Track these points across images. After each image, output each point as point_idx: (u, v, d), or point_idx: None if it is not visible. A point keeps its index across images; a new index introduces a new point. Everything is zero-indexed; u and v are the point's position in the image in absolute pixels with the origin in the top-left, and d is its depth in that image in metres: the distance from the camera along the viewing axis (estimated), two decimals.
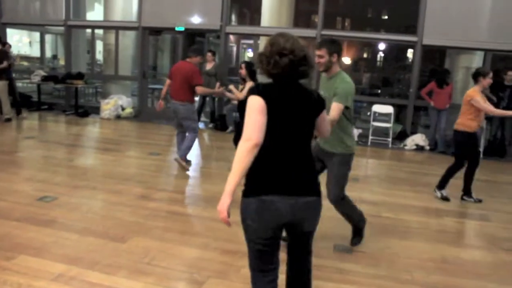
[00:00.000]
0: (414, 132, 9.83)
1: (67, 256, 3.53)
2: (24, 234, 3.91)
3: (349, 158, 3.81)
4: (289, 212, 2.20)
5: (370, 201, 5.44)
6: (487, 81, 5.43)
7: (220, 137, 9.54)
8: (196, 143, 6.86)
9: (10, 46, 10.39)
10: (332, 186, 3.81)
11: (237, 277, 3.37)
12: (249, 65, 6.54)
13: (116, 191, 5.29)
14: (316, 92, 2.37)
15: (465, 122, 5.50)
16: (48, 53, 18.41)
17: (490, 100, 9.22)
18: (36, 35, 17.94)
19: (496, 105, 9.06)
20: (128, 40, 12.05)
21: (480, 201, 5.68)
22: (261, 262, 2.36)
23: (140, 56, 11.37)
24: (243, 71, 6.41)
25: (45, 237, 3.86)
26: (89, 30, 12.46)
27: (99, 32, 12.69)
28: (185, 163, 6.34)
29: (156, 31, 11.70)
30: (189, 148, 6.41)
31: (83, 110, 11.05)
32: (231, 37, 15.21)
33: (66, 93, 12.02)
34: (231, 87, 7.18)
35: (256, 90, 2.17)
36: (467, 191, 5.73)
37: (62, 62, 15.56)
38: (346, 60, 23.76)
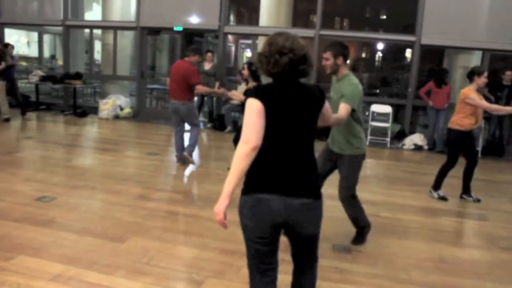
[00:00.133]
0: (412, 132, 9.84)
1: (65, 256, 3.53)
2: (22, 234, 3.91)
3: (359, 159, 3.86)
4: (283, 212, 2.18)
5: (369, 200, 5.44)
6: (482, 80, 5.43)
7: (218, 136, 9.54)
8: (187, 143, 6.87)
9: (12, 47, 10.34)
10: (341, 187, 3.92)
11: (236, 277, 3.37)
12: (252, 65, 6.53)
13: (115, 191, 5.29)
14: (317, 87, 2.34)
15: (459, 121, 5.51)
16: (46, 53, 18.40)
17: (488, 99, 9.26)
18: (34, 35, 17.93)
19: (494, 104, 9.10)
20: (126, 40, 12.05)
21: (478, 200, 5.69)
22: (259, 262, 2.35)
23: (138, 56, 11.36)
24: (245, 72, 6.42)
25: (44, 237, 3.86)
26: (87, 30, 12.46)
27: (98, 32, 12.69)
28: (192, 158, 6.56)
29: (155, 31, 11.69)
30: (195, 143, 6.62)
31: (82, 110, 11.04)
32: (230, 37, 15.20)
33: (65, 93, 12.00)
34: (233, 92, 7.26)
35: (254, 92, 2.17)
36: (466, 190, 5.74)
37: (60, 62, 15.57)
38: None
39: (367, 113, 9.66)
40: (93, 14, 16.15)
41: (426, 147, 9.31)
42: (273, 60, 2.18)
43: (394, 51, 25.23)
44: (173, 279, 3.37)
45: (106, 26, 11.78)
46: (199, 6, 10.58)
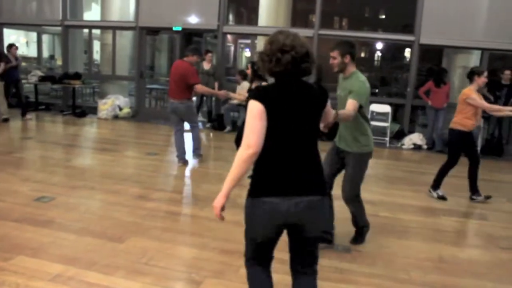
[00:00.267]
0: (411, 132, 9.84)
1: (64, 257, 3.52)
2: (21, 234, 3.90)
3: (365, 158, 3.85)
4: (293, 213, 2.19)
5: (368, 200, 5.41)
6: (482, 80, 5.44)
7: (218, 136, 9.54)
8: (191, 143, 6.88)
9: (16, 48, 10.34)
10: (346, 184, 3.89)
11: (235, 277, 3.37)
12: (255, 65, 6.51)
13: (114, 191, 5.29)
14: (318, 86, 2.35)
15: (461, 121, 5.51)
16: (45, 53, 18.39)
17: (487, 99, 9.26)
18: (33, 35, 17.92)
19: (494, 104, 9.10)
20: (125, 40, 12.04)
21: (489, 197, 5.72)
22: (257, 256, 2.42)
23: (137, 56, 11.36)
24: (249, 71, 6.40)
25: (43, 238, 3.86)
26: (86, 30, 12.44)
27: (96, 32, 12.68)
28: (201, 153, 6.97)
29: (154, 31, 11.69)
30: (199, 143, 6.90)
31: (81, 110, 11.03)
32: (229, 36, 15.20)
33: (64, 93, 11.99)
34: (232, 95, 7.29)
35: (255, 94, 2.17)
36: (474, 191, 5.73)
37: (59, 62, 15.55)
38: None
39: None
40: (92, 14, 16.14)
41: (425, 146, 9.32)
42: (275, 58, 2.17)
43: (393, 51, 25.22)
44: (172, 279, 3.36)
45: (105, 26, 11.77)
46: (198, 6, 10.57)
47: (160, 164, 6.88)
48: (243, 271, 3.43)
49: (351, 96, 3.56)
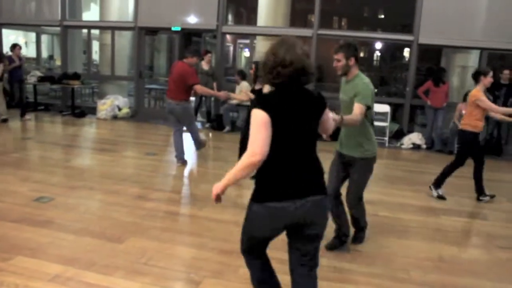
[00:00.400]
0: (410, 131, 9.85)
1: (63, 257, 3.52)
2: (20, 235, 3.90)
3: (370, 163, 3.80)
4: (298, 214, 2.27)
5: (367, 200, 5.38)
6: (488, 80, 5.44)
7: (217, 136, 9.53)
8: (192, 142, 6.86)
9: (20, 47, 10.33)
10: (351, 190, 3.86)
11: (234, 277, 3.37)
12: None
13: (113, 192, 5.28)
14: (317, 92, 2.43)
15: (472, 123, 5.49)
16: (44, 54, 18.38)
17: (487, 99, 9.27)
18: (32, 35, 17.91)
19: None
20: (124, 40, 12.03)
21: (493, 196, 5.74)
22: (254, 250, 2.54)
23: (136, 56, 11.36)
24: (253, 72, 6.39)
25: (42, 238, 3.85)
26: (85, 31, 12.44)
27: (95, 32, 12.67)
28: (203, 142, 6.93)
29: (152, 31, 11.69)
30: (197, 139, 6.79)
31: (80, 111, 11.02)
32: (228, 36, 15.20)
33: (63, 94, 11.98)
34: (233, 95, 7.29)
35: (259, 102, 2.23)
36: (481, 192, 5.73)
37: (58, 62, 15.53)
38: None
39: None
40: (91, 14, 16.14)
41: (424, 146, 9.32)
42: (275, 71, 2.24)
43: (392, 51, 25.24)
44: (172, 279, 3.36)
45: (104, 26, 11.77)
46: (197, 6, 10.57)
47: (159, 164, 6.88)
48: (242, 271, 3.43)
49: (357, 100, 3.53)
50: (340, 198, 3.95)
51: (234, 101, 9.48)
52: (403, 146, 9.34)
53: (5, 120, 9.31)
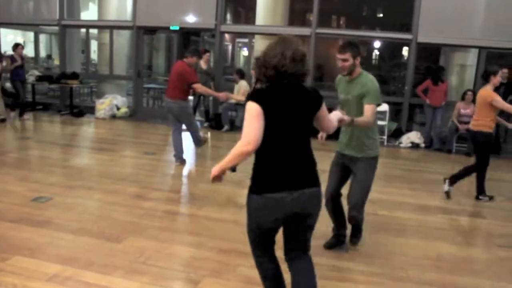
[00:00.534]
0: (409, 130, 9.85)
1: (62, 257, 3.52)
2: (19, 235, 3.89)
3: (374, 162, 3.72)
4: (295, 204, 2.38)
5: None
6: (498, 79, 5.42)
7: (215, 136, 9.53)
8: (191, 141, 6.86)
9: (22, 47, 10.28)
10: (358, 191, 3.69)
11: (233, 276, 3.37)
12: None
13: (112, 191, 5.28)
14: (313, 89, 2.51)
15: (487, 123, 5.46)
16: (43, 53, 18.32)
17: None
18: (30, 35, 17.84)
19: None
20: (122, 39, 12.02)
21: (492, 197, 5.74)
22: (261, 247, 2.59)
23: (135, 55, 11.35)
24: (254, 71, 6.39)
25: (40, 238, 3.85)
26: (83, 30, 12.42)
27: (94, 31, 12.65)
28: (203, 140, 6.94)
29: (151, 30, 11.67)
30: (196, 138, 6.78)
31: (78, 110, 11.02)
32: (226, 36, 15.19)
33: (61, 93, 11.98)
34: (232, 96, 7.26)
35: (253, 95, 2.35)
36: (482, 191, 5.73)
37: (56, 62, 15.50)
38: None
39: None
40: (89, 13, 16.09)
41: (423, 145, 9.33)
42: (263, 69, 2.40)
43: (391, 49, 25.22)
44: (170, 278, 3.36)
45: (102, 26, 11.76)
46: (196, 5, 10.56)
47: (157, 164, 6.88)
48: (241, 270, 3.44)
49: (368, 100, 3.46)
50: (339, 199, 3.90)
51: (232, 100, 9.48)
52: (401, 145, 9.35)
53: (3, 120, 9.30)
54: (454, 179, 5.75)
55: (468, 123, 8.69)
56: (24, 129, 9.24)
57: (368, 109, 3.45)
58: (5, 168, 6.01)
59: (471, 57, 10.07)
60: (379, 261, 3.79)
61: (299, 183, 2.40)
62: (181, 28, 10.71)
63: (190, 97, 7.24)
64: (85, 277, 3.23)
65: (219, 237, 4.07)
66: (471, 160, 8.35)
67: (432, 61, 14.50)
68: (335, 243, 3.98)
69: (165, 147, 8.01)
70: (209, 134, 9.61)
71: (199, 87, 6.48)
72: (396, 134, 9.71)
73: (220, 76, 10.90)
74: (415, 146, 9.30)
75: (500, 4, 9.08)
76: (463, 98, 8.84)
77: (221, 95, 6.99)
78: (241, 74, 9.79)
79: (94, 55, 14.79)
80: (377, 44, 23.82)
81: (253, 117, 2.28)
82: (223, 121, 9.95)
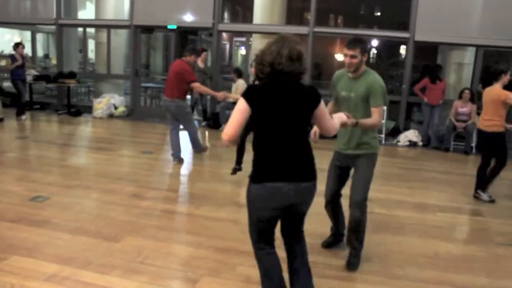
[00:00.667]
0: (407, 128, 9.86)
1: (60, 256, 3.51)
2: (16, 234, 3.89)
3: (375, 158, 3.61)
4: (293, 195, 2.53)
5: None
6: (507, 77, 5.42)
7: (213, 135, 9.52)
8: (188, 142, 6.86)
9: (23, 46, 10.17)
10: (359, 188, 3.54)
11: (231, 275, 3.37)
12: None
13: (109, 190, 5.27)
14: (311, 87, 2.60)
15: (499, 123, 5.42)
16: (40, 52, 18.28)
17: (481, 96, 9.28)
18: (27, 34, 17.81)
19: None
20: (120, 38, 12.00)
21: (493, 201, 5.69)
22: (262, 238, 2.68)
23: (132, 54, 11.33)
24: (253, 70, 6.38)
25: (38, 237, 3.84)
26: (80, 29, 12.40)
27: (91, 30, 12.63)
28: (203, 147, 6.85)
29: (148, 30, 11.65)
30: (195, 140, 6.67)
31: (76, 110, 10.99)
32: (224, 34, 15.18)
33: (59, 93, 11.95)
34: (231, 95, 7.27)
35: (245, 92, 2.51)
36: (481, 188, 5.73)
37: (54, 61, 15.46)
38: (339, 57, 23.76)
39: None
40: (86, 12, 16.07)
41: (420, 143, 9.34)
42: (260, 67, 2.54)
43: (389, 48, 25.24)
44: (168, 277, 3.36)
45: (100, 25, 11.74)
46: (193, 4, 10.55)
47: (155, 163, 6.87)
48: (239, 269, 3.45)
49: (375, 102, 3.36)
50: (339, 200, 3.82)
51: (230, 100, 9.46)
52: (399, 143, 9.36)
53: (0, 120, 9.27)
54: (483, 185, 5.69)
55: (465, 121, 8.75)
56: (21, 128, 9.22)
57: (375, 111, 3.37)
58: (2, 167, 6.00)
59: (469, 56, 10.08)
60: (376, 259, 3.79)
61: (294, 176, 2.52)
62: (178, 27, 10.70)
63: (188, 96, 7.23)
64: (83, 276, 3.23)
65: (217, 236, 4.07)
66: (468, 159, 8.41)
67: (429, 59, 14.53)
68: (333, 242, 3.98)
69: (162, 146, 8.01)
70: (207, 133, 9.60)
71: (197, 86, 6.48)
72: (394, 133, 9.72)
73: (217, 75, 10.90)
74: (412, 144, 9.31)
75: (497, 2, 9.08)
76: (460, 97, 8.85)
77: (219, 94, 6.96)
78: (239, 73, 9.78)
79: (91, 54, 14.77)
80: (374, 42, 23.86)
81: (237, 111, 2.46)
82: (221, 120, 9.94)
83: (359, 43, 3.39)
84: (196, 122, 9.58)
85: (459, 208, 5.43)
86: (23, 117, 9.84)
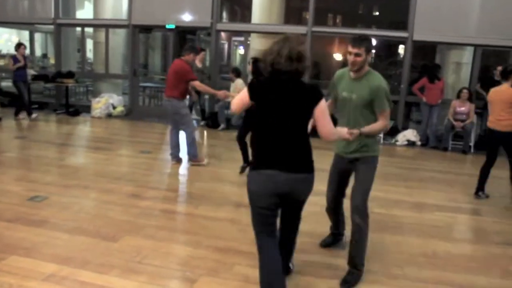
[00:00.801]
0: (405, 128, 9.87)
1: (58, 256, 3.51)
2: (14, 234, 3.88)
3: (375, 161, 3.47)
4: (286, 184, 2.68)
5: None
6: None
7: (212, 134, 9.52)
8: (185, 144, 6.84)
9: (25, 47, 10.12)
10: (359, 192, 3.41)
11: (230, 274, 3.37)
12: (257, 61, 6.29)
13: (108, 190, 5.27)
14: (312, 86, 2.75)
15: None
16: (38, 52, 18.27)
17: (480, 95, 9.32)
18: (25, 33, 17.79)
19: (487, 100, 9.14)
20: (118, 38, 11.99)
21: (487, 196, 5.75)
22: (261, 225, 2.81)
23: (130, 54, 11.32)
24: (250, 68, 6.32)
25: (36, 237, 3.84)
26: (79, 29, 12.38)
27: (89, 30, 12.61)
28: (201, 161, 6.60)
29: (147, 29, 11.64)
30: (190, 145, 6.54)
31: (74, 109, 10.97)
32: (222, 34, 15.17)
33: (57, 92, 11.93)
34: (229, 93, 7.28)
35: (250, 83, 2.78)
36: (482, 188, 5.75)
37: (52, 61, 15.45)
38: (338, 56, 23.78)
39: None
40: (84, 12, 16.06)
41: (419, 143, 9.34)
42: (263, 65, 2.72)
43: (387, 48, 25.26)
44: (167, 277, 3.36)
45: (98, 25, 11.72)
46: (191, 4, 10.54)
47: (153, 163, 6.87)
48: (237, 269, 3.45)
49: (380, 107, 3.23)
50: (340, 202, 3.73)
51: (230, 99, 9.45)
52: (397, 143, 9.36)
53: None
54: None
55: (463, 121, 8.76)
56: (20, 128, 9.21)
57: (382, 116, 3.26)
58: (1, 167, 5.99)
59: (467, 55, 10.09)
60: (374, 259, 3.79)
61: (287, 167, 2.67)
62: (177, 27, 10.69)
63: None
64: (81, 276, 3.23)
65: (215, 236, 4.07)
66: (466, 158, 8.42)
67: (428, 59, 14.54)
68: (332, 241, 3.97)
69: (161, 145, 8.00)
70: (205, 132, 9.60)
71: (198, 85, 6.47)
72: (392, 132, 9.71)
73: (216, 74, 10.89)
74: (411, 144, 9.31)
75: (495, 2, 9.09)
76: (458, 96, 8.86)
77: (220, 92, 6.94)
78: (237, 73, 9.76)
79: (89, 54, 14.76)
80: (373, 42, 23.89)
81: (240, 96, 2.78)
82: (220, 120, 9.95)
83: (365, 41, 3.25)
84: (194, 122, 9.60)
85: (457, 208, 5.44)
86: (21, 116, 9.81)
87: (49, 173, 5.90)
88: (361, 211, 3.39)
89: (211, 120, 10.07)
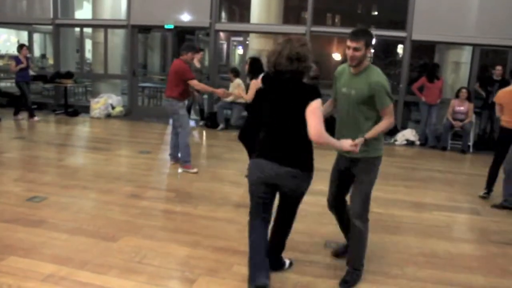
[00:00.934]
0: (404, 127, 9.87)
1: (57, 256, 3.51)
2: (13, 235, 3.88)
3: (377, 162, 3.30)
4: (273, 175, 2.90)
5: None
6: None
7: (211, 134, 9.52)
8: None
9: (27, 48, 10.09)
10: (359, 197, 3.29)
11: (229, 274, 3.37)
12: (255, 61, 6.22)
13: (107, 190, 5.27)
14: (310, 86, 2.87)
15: None
16: (37, 53, 18.25)
17: (479, 94, 9.33)
18: (24, 34, 17.76)
19: (486, 100, 9.16)
20: (117, 38, 11.98)
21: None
22: (254, 209, 3.11)
23: (129, 54, 11.32)
24: (247, 67, 6.27)
25: (35, 238, 3.83)
26: (77, 29, 12.37)
27: (88, 30, 12.60)
28: (191, 169, 6.33)
29: (145, 29, 11.63)
30: (183, 149, 6.33)
31: (73, 110, 10.97)
32: (221, 34, 15.16)
33: (56, 93, 11.93)
34: (230, 92, 7.25)
35: (263, 76, 3.47)
36: (491, 188, 5.75)
37: (51, 61, 15.44)
38: (336, 56, 23.79)
39: None
40: (83, 12, 16.04)
41: (418, 142, 9.35)
42: (267, 65, 2.98)
43: (386, 47, 25.27)
44: (166, 277, 3.35)
45: (97, 25, 11.71)
46: (190, 4, 10.54)
47: (153, 163, 6.86)
48: (236, 269, 3.45)
49: (383, 103, 3.11)
50: (342, 203, 3.62)
51: (228, 99, 9.45)
52: (396, 142, 9.37)
53: None
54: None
55: (462, 120, 8.76)
56: (19, 128, 9.20)
57: (386, 112, 3.15)
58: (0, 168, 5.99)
59: (466, 55, 10.09)
60: (374, 259, 3.79)
61: (276, 158, 2.87)
62: (175, 27, 10.68)
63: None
64: (80, 276, 3.22)
65: (215, 236, 4.07)
66: (465, 157, 8.43)
67: (427, 58, 14.55)
68: (343, 253, 3.72)
69: (160, 146, 7.99)
70: (204, 133, 9.59)
71: (196, 84, 6.45)
72: (391, 132, 9.71)
73: (215, 74, 10.89)
74: (410, 143, 9.32)
75: (493, 1, 9.10)
76: (457, 96, 8.86)
77: (219, 90, 6.90)
78: (236, 73, 9.76)
79: (88, 54, 14.75)
80: (373, 36, 23.88)
81: (254, 85, 3.53)
82: (219, 120, 9.94)
83: (365, 35, 3.12)
84: (193, 122, 9.59)
85: (456, 207, 5.44)
86: (20, 116, 9.80)
87: (48, 174, 5.90)
88: (360, 215, 3.31)
89: (210, 120, 10.06)
